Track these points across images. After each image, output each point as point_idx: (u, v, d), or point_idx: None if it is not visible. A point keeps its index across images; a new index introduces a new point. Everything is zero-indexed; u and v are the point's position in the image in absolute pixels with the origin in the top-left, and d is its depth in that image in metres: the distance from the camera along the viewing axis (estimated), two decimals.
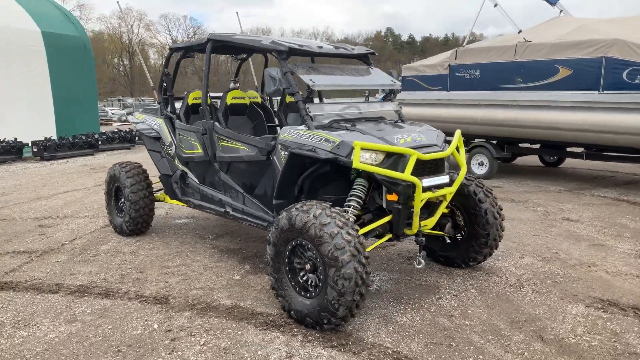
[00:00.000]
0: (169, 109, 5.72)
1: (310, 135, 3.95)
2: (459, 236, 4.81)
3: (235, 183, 4.84)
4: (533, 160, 12.21)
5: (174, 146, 5.56)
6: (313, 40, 5.21)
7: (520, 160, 12.42)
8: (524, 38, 9.07)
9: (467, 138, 10.28)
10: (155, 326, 3.77)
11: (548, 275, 4.68)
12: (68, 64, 17.00)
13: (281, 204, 4.26)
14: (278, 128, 5.58)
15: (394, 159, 3.82)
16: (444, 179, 4.03)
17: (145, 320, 3.86)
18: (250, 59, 6.86)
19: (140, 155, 14.86)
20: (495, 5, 9.85)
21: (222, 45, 4.98)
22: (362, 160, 3.72)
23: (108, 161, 14.11)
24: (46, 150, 14.42)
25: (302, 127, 4.08)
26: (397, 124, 4.47)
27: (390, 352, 3.34)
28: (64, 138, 15.26)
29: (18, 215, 7.54)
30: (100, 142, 16.37)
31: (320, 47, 4.56)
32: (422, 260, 4.07)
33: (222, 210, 5.03)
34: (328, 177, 4.30)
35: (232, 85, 6.17)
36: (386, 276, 4.72)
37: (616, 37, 7.87)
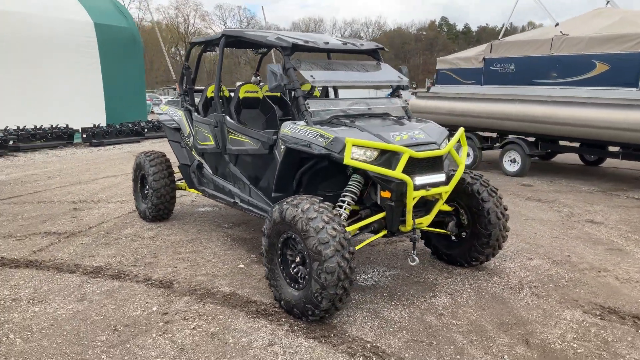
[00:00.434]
0: (188, 101, 5.94)
1: (307, 131, 4.03)
2: (464, 235, 4.77)
3: (243, 175, 4.99)
4: (573, 158, 11.75)
5: (192, 137, 5.78)
6: (322, 35, 5.25)
7: (561, 158, 11.99)
8: (561, 31, 8.73)
9: (501, 134, 10.03)
10: (154, 308, 3.99)
11: (552, 279, 4.57)
12: (118, 55, 17.75)
13: (280, 197, 4.37)
14: None
15: (388, 156, 3.85)
16: (440, 177, 4.02)
17: (147, 303, 4.10)
18: (272, 53, 6.98)
19: None
20: None
21: (235, 40, 5.12)
22: (354, 156, 3.77)
23: (152, 148, 14.70)
24: (94, 137, 15.19)
25: (302, 122, 4.17)
26: (399, 121, 4.48)
27: (369, 347, 3.40)
28: (112, 125, 16.01)
29: (57, 198, 8.05)
30: (146, 130, 17.04)
31: (327, 43, 4.61)
32: (416, 258, 4.09)
33: (232, 200, 5.20)
34: (326, 172, 4.37)
35: (253, 79, 6.33)
36: (386, 272, 4.76)
37: None
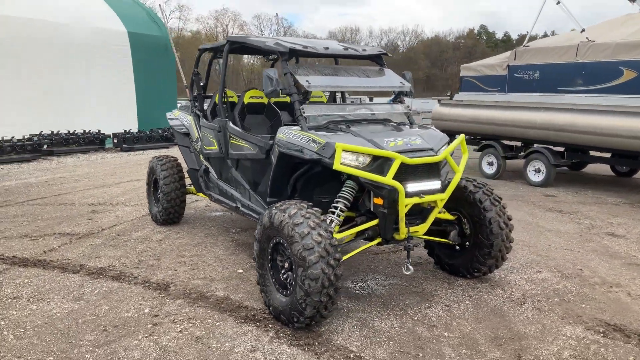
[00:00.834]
0: (197, 107, 6.01)
1: (300, 136, 4.00)
2: (467, 244, 4.62)
3: (243, 180, 5.00)
4: (605, 169, 11.29)
5: (199, 142, 5.84)
6: (324, 41, 5.22)
7: (592, 169, 11.55)
8: (587, 37, 8.41)
9: (526, 143, 9.74)
10: (146, 310, 4.02)
11: (558, 293, 4.37)
12: (150, 62, 18.23)
13: (275, 202, 4.34)
14: None
15: (380, 162, 3.77)
16: (435, 184, 3.91)
17: (140, 304, 4.13)
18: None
19: None
20: (558, 2, 9.22)
21: (240, 46, 5.16)
22: (345, 162, 3.71)
23: (180, 154, 14.98)
24: (125, 142, 15.60)
25: (297, 127, 4.14)
26: (398, 127, 4.39)
27: (352, 357, 3.32)
28: (142, 131, 16.41)
29: (78, 200, 8.28)
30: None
31: (327, 48, 4.58)
32: (411, 267, 3.99)
33: (234, 205, 5.21)
34: (321, 178, 4.32)
35: None
36: (384, 280, 4.66)
37: None
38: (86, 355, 3.33)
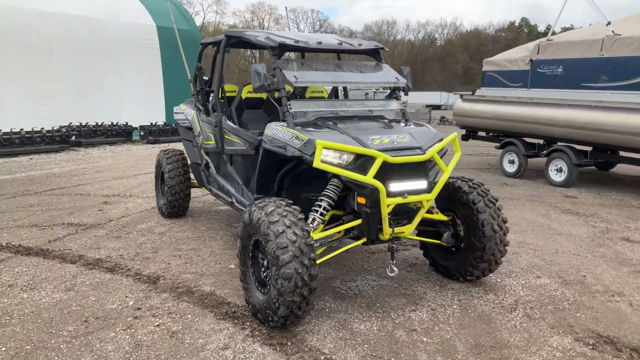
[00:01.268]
0: (200, 101, 6.02)
1: (285, 132, 3.94)
2: (462, 247, 4.48)
3: (237, 175, 4.98)
4: (637, 170, 10.75)
5: (200, 137, 5.85)
6: (319, 35, 5.12)
7: (622, 169, 11.03)
8: (612, 31, 8.00)
9: (548, 141, 9.38)
10: (130, 303, 4.06)
11: (554, 300, 4.17)
12: (179, 56, 18.43)
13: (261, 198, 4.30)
14: None
15: (363, 161, 3.67)
16: (420, 184, 3.78)
17: (126, 297, 4.18)
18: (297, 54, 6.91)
19: None
20: None
21: (238, 41, 5.12)
22: (326, 160, 3.63)
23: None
24: (151, 135, 15.90)
25: (283, 123, 4.08)
26: (389, 124, 4.26)
27: (323, 359, 3.25)
28: (168, 124, 16.68)
29: (94, 191, 8.47)
30: None
31: (320, 43, 4.49)
32: (395, 269, 3.88)
33: (230, 200, 5.21)
34: (309, 175, 4.25)
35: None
36: (374, 281, 4.56)
37: None
38: (62, 346, 3.38)
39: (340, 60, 5.08)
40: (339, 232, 4.18)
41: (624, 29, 8.10)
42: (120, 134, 15.77)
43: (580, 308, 4.04)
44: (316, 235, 3.82)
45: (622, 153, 8.89)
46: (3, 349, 3.33)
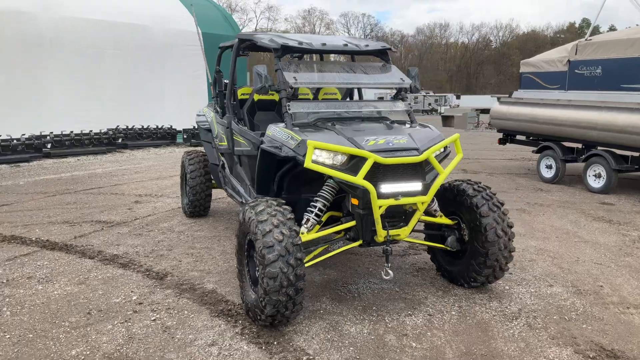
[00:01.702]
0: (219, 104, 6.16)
1: (282, 133, 3.97)
2: (467, 251, 4.35)
3: (245, 176, 5.06)
4: None
5: (217, 138, 5.99)
6: (324, 36, 5.11)
7: None
8: None
9: (587, 145, 8.93)
10: (134, 298, 4.21)
11: (562, 310, 3.97)
12: (223, 62, 18.93)
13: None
14: None
15: (356, 162, 3.65)
16: (414, 186, 3.70)
17: (131, 292, 4.33)
18: (310, 56, 6.95)
19: None
20: None
21: (251, 44, 5.21)
22: (319, 160, 3.63)
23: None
24: (194, 137, 16.37)
25: (283, 124, 4.12)
26: (391, 125, 4.21)
27: (305, 359, 3.25)
28: None
29: (129, 191, 8.83)
30: None
31: (324, 44, 4.49)
32: (390, 272, 3.83)
33: (240, 200, 5.29)
34: (307, 176, 4.25)
35: None
36: (376, 284, 4.50)
37: None
38: (60, 336, 3.55)
39: (346, 62, 5.05)
40: (340, 233, 4.16)
41: None
42: (165, 137, 16.34)
43: (589, 319, 3.82)
44: (310, 235, 3.82)
45: None
46: (7, 336, 3.54)
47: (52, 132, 13.26)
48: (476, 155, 14.21)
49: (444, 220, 4.36)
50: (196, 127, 16.64)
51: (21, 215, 7.01)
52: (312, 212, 3.94)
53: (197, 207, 6.68)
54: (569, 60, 9.00)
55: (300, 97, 5.84)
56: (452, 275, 4.47)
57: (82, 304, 4.08)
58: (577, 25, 78.12)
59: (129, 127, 15.68)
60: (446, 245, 4.33)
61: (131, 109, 16.41)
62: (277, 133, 4.04)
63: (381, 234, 3.75)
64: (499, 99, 10.92)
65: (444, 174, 3.80)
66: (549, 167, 9.54)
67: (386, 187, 3.63)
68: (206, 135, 6.42)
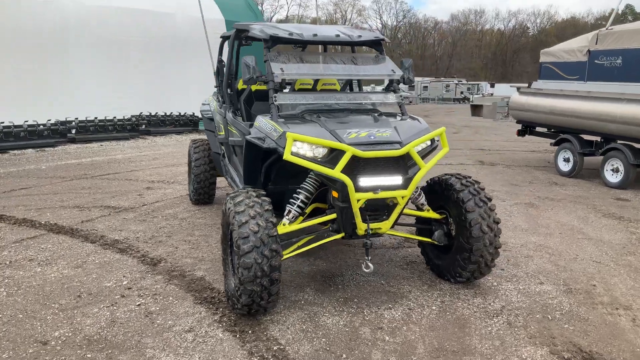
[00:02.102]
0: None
1: (267, 124, 4.00)
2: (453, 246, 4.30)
3: (239, 166, 5.11)
4: None
5: (218, 127, 6.06)
6: (317, 26, 5.06)
7: None
8: None
9: (606, 138, 8.64)
10: (124, 282, 4.34)
11: (547, 309, 3.90)
12: (245, 50, 19.00)
13: None
14: None
15: (336, 154, 3.64)
16: (394, 179, 3.68)
17: (123, 276, 4.46)
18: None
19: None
20: None
21: (249, 34, 5.22)
22: (299, 152, 3.65)
23: None
24: None
25: (269, 115, 4.14)
26: (378, 117, 4.17)
27: (275, 349, 3.30)
28: None
29: (143, 177, 9.04)
30: None
31: (315, 35, 4.47)
32: (370, 265, 3.83)
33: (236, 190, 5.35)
34: (293, 167, 4.26)
35: None
36: (362, 277, 4.50)
37: None
38: (48, 317, 3.70)
39: (339, 53, 5.03)
40: (327, 224, 4.18)
41: None
42: (187, 124, 16.59)
43: (572, 319, 3.75)
44: (290, 227, 3.85)
45: None
46: (0, 315, 3.71)
47: (77, 118, 13.64)
48: (497, 146, 13.93)
49: (431, 214, 4.32)
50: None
51: (36, 199, 7.27)
52: (294, 203, 3.96)
53: (202, 194, 6.79)
54: (589, 50, 8.68)
55: (301, 87, 5.84)
56: (439, 269, 4.44)
57: (75, 287, 4.23)
58: (619, 11, 75.01)
59: (152, 114, 15.97)
60: (433, 240, 4.30)
61: (155, 96, 16.68)
62: (262, 124, 4.07)
63: (361, 227, 3.75)
64: (518, 89, 10.64)
65: (425, 168, 3.76)
66: (567, 160, 9.28)
67: (365, 181, 3.62)
68: (209, 125, 6.50)
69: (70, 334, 3.47)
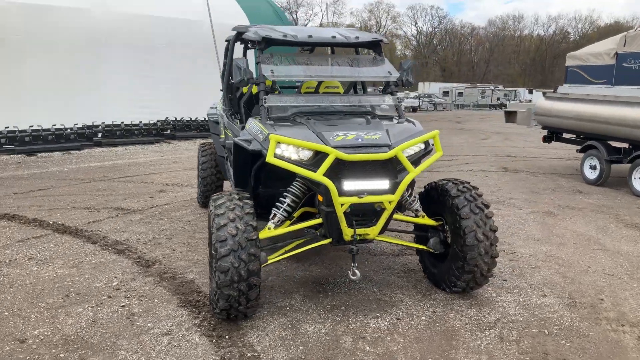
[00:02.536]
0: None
1: (255, 127, 3.93)
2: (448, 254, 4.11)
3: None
4: None
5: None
6: (314, 28, 4.96)
7: None
8: None
9: (634, 145, 8.20)
10: (115, 283, 4.33)
11: (544, 323, 3.66)
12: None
13: None
14: None
15: (321, 157, 3.53)
16: (380, 184, 3.53)
17: (115, 277, 4.46)
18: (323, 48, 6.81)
19: None
20: None
21: (243, 37, 5.18)
22: (282, 155, 3.55)
23: None
24: None
25: (259, 117, 4.07)
26: (370, 120, 4.03)
27: (249, 356, 3.20)
28: None
29: (158, 180, 9.13)
30: None
31: (310, 36, 4.38)
32: (357, 272, 3.69)
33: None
34: (283, 170, 4.16)
35: None
36: (354, 284, 4.35)
37: None
38: (32, 316, 3.71)
39: (336, 55, 4.91)
40: (318, 229, 4.06)
41: None
42: (201, 129, 16.75)
43: (571, 335, 3.50)
44: (273, 232, 3.76)
45: None
46: None
47: (103, 122, 13.96)
48: (525, 153, 13.48)
49: (426, 220, 4.14)
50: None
51: (51, 199, 7.42)
52: (280, 207, 3.87)
53: (208, 197, 6.76)
54: (616, 53, 8.28)
55: (306, 91, 5.75)
56: (435, 278, 4.25)
57: (65, 287, 4.25)
58: None
59: (177, 118, 16.21)
60: (429, 247, 4.12)
61: (182, 102, 16.94)
62: (251, 127, 4.01)
63: (347, 233, 3.62)
64: (544, 94, 10.26)
65: (414, 173, 3.60)
66: (593, 167, 8.86)
67: (349, 185, 3.48)
68: (215, 128, 6.49)
69: (49, 333, 3.46)
